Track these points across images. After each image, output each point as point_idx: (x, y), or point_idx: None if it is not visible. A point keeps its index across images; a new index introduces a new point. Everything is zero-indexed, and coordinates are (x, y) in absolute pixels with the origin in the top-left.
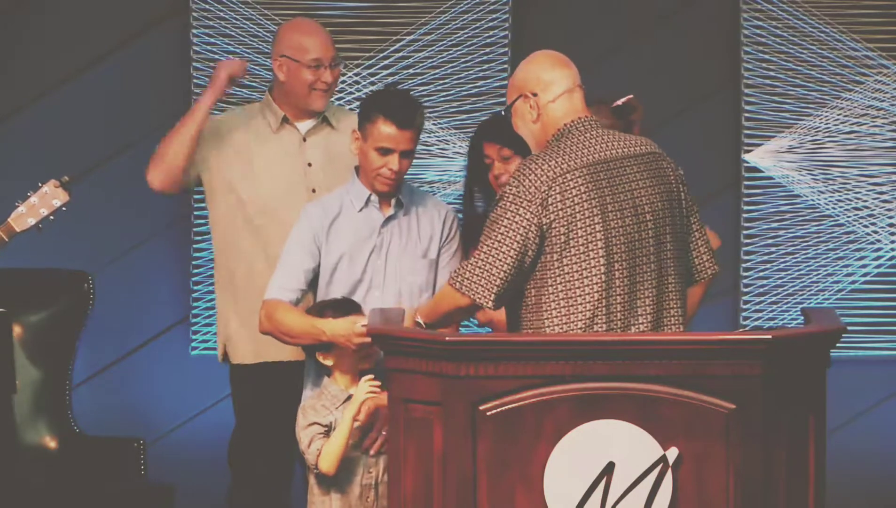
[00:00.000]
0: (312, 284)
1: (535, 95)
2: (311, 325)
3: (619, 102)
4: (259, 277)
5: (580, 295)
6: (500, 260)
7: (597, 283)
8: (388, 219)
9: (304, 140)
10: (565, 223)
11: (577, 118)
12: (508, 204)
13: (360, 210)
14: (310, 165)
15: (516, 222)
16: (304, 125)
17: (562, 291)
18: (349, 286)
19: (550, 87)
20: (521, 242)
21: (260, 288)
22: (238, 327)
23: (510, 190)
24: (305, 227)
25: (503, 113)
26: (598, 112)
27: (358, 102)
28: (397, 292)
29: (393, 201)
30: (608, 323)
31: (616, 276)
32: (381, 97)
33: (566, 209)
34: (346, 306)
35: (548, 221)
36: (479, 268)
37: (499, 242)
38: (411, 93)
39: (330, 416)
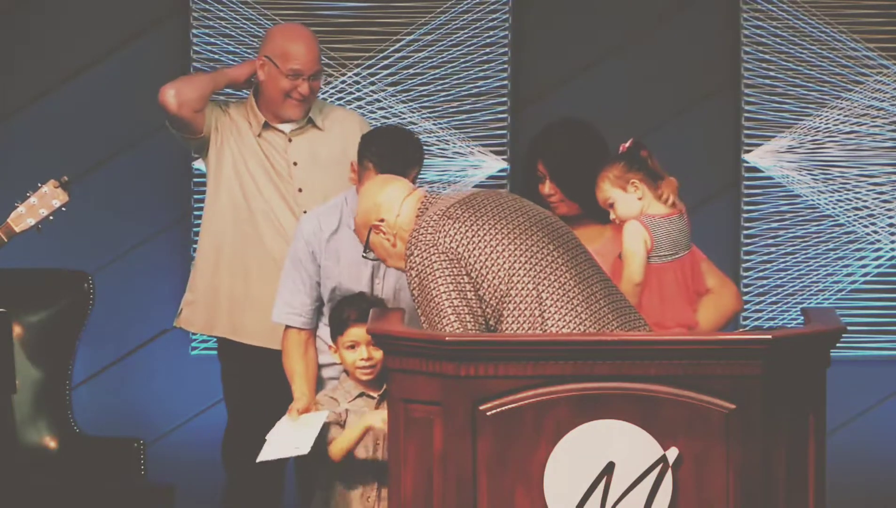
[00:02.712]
0: (320, 298)
1: (381, 220)
2: (290, 380)
3: (626, 146)
4: (245, 252)
5: (517, 301)
6: (453, 307)
7: (535, 274)
8: None
9: (290, 140)
10: (476, 241)
11: (422, 200)
12: (423, 269)
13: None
14: (295, 164)
15: (440, 272)
16: (288, 126)
17: (496, 301)
18: None
19: (390, 204)
20: (454, 282)
21: (245, 264)
22: (203, 296)
23: (414, 261)
24: (301, 244)
25: (363, 256)
26: (612, 166)
27: (358, 102)
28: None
29: None
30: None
31: (551, 267)
32: (376, 142)
33: (470, 230)
34: (366, 303)
35: (462, 250)
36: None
37: (441, 298)
38: (411, 130)
39: (338, 407)
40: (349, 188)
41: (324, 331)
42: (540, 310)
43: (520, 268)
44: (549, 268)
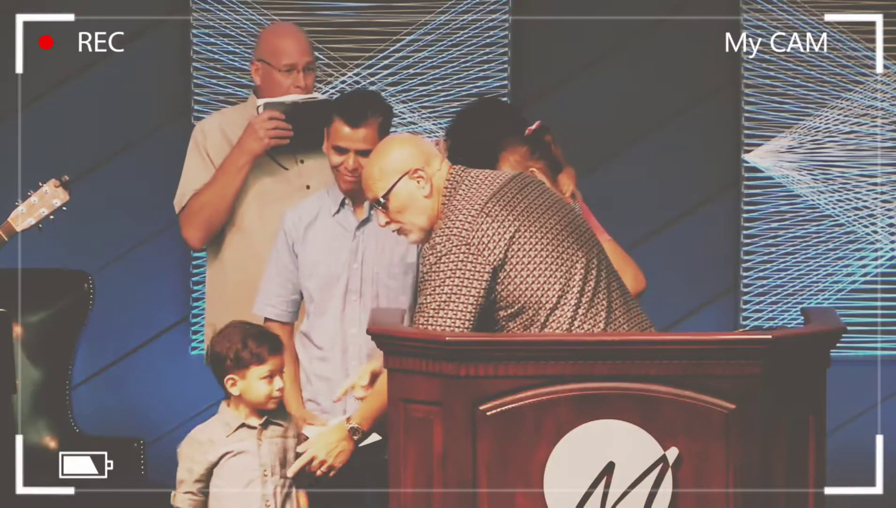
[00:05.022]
0: (299, 291)
1: (420, 168)
2: None
3: (532, 129)
4: (251, 280)
5: (549, 303)
6: (455, 313)
7: (565, 281)
8: (363, 223)
9: None
10: (511, 243)
11: (451, 171)
12: (444, 261)
13: (335, 214)
14: (302, 161)
15: (460, 273)
16: None
17: (524, 302)
18: (327, 291)
19: (430, 156)
20: (477, 288)
21: (251, 290)
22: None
23: (439, 249)
24: (281, 236)
25: (374, 205)
26: (514, 150)
27: None
28: (375, 296)
29: (366, 205)
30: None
31: (581, 272)
32: (341, 97)
33: (507, 232)
34: (269, 339)
35: (498, 250)
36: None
37: (452, 298)
38: (380, 93)
39: (213, 452)
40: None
41: (306, 326)
42: (569, 320)
43: (551, 275)
44: (577, 276)
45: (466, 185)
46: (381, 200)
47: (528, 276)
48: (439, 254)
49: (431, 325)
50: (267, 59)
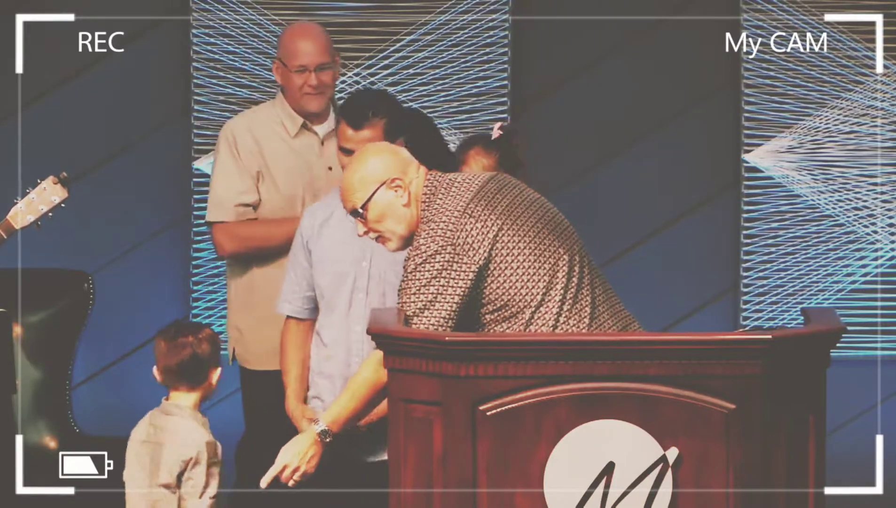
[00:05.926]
0: (314, 289)
1: (398, 177)
2: (284, 383)
3: (497, 133)
4: (276, 282)
5: (532, 299)
6: (447, 306)
7: (549, 278)
8: None
9: (322, 143)
10: (495, 242)
11: (428, 177)
12: (430, 261)
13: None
14: (330, 168)
15: (445, 272)
16: (322, 129)
17: (509, 300)
18: (336, 288)
19: (407, 165)
20: (462, 288)
21: (276, 294)
22: (250, 331)
23: (423, 248)
24: (298, 234)
25: (351, 213)
26: (487, 154)
27: None
28: (381, 295)
29: None
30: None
31: (564, 269)
32: (348, 99)
33: (490, 231)
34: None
35: (483, 250)
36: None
37: (438, 298)
38: (387, 92)
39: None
40: None
41: (319, 323)
42: (554, 317)
43: (535, 273)
44: (560, 273)
45: (445, 189)
46: (360, 210)
47: (512, 274)
48: (425, 254)
49: (415, 324)
50: (283, 60)
